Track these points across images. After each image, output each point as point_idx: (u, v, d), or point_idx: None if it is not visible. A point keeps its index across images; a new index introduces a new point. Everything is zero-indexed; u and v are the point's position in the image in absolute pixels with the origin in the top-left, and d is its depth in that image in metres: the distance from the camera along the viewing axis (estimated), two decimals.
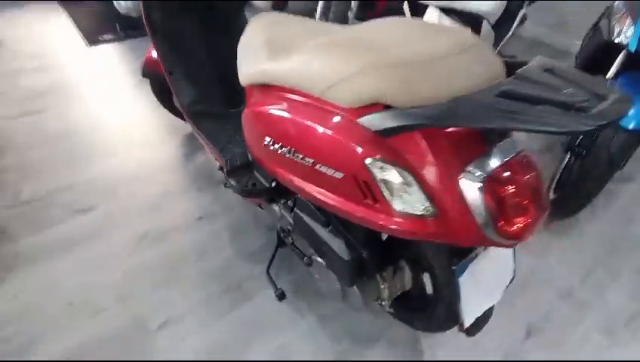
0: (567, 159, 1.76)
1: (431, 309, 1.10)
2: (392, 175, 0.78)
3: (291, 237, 1.25)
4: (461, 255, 0.91)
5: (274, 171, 1.06)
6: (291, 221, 1.16)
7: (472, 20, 2.06)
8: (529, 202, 0.77)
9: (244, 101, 1.14)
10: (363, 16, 2.60)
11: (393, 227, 0.82)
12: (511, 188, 0.75)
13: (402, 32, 0.90)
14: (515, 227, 0.76)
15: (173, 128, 2.11)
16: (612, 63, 1.50)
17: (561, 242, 1.65)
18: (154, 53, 1.63)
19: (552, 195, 1.70)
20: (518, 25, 2.46)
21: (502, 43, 2.38)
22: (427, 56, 0.79)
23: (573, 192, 1.56)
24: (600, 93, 0.66)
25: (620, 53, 1.49)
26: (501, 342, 1.32)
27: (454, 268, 0.89)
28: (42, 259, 1.48)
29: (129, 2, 2.72)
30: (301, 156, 0.91)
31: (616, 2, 1.64)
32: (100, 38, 2.92)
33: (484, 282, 0.96)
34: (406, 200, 0.79)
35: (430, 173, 0.75)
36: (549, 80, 0.71)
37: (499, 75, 0.83)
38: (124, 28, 2.99)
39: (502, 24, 2.22)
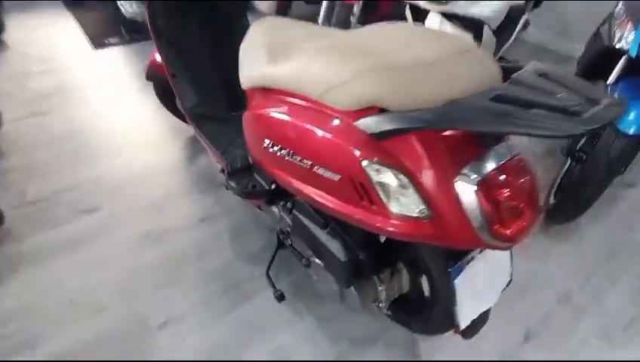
0: (567, 164, 1.76)
1: (428, 312, 1.11)
2: (388, 177, 0.79)
3: (290, 238, 1.27)
4: (457, 257, 0.92)
5: (273, 173, 1.08)
6: (290, 223, 1.17)
7: (473, 25, 2.08)
8: (524, 205, 0.78)
9: (245, 104, 1.16)
10: (365, 20, 2.62)
11: (389, 229, 0.83)
12: (506, 191, 0.76)
13: (400, 36, 0.92)
14: (509, 230, 0.77)
15: (177, 131, 2.13)
16: (613, 69, 1.51)
17: (561, 247, 1.65)
18: (158, 57, 1.65)
19: (552, 200, 1.70)
20: (520, 30, 2.47)
21: (504, 48, 2.39)
22: (423, 60, 0.81)
23: (573, 197, 1.56)
24: (593, 97, 0.67)
25: (620, 59, 1.49)
26: (499, 345, 1.32)
27: (450, 270, 0.90)
28: (46, 259, 1.50)
29: (134, 6, 2.76)
30: (299, 158, 0.92)
31: (617, 8, 1.64)
32: (105, 42, 2.95)
33: (480, 284, 0.97)
34: (402, 202, 0.80)
35: (426, 176, 0.77)
36: (543, 84, 0.72)
37: (495, 80, 0.84)
38: (129, 32, 3.03)
39: (503, 29, 2.23)
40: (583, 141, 1.68)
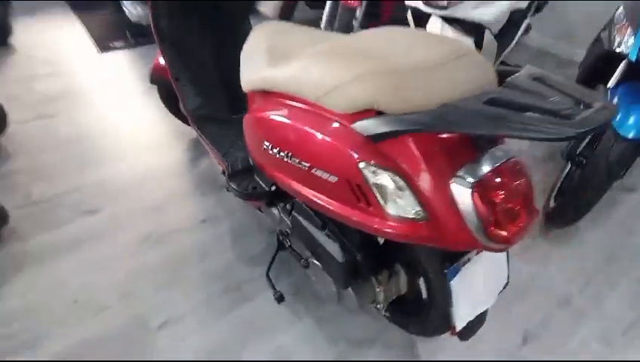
0: (568, 168, 1.77)
1: (425, 313, 1.12)
2: (385, 179, 0.80)
3: (289, 240, 1.28)
4: (453, 259, 0.93)
5: (273, 175, 1.09)
6: (289, 224, 1.18)
7: (474, 30, 2.09)
8: (519, 207, 0.79)
9: (246, 107, 1.18)
10: (368, 24, 2.64)
11: (386, 230, 0.84)
12: (501, 193, 0.76)
13: (397, 40, 0.93)
14: (505, 231, 0.77)
15: (180, 133, 2.16)
16: (613, 73, 1.51)
17: (561, 250, 1.65)
18: (161, 61, 1.68)
19: (552, 203, 1.70)
20: (522, 34, 2.48)
21: (505, 52, 2.40)
22: (420, 64, 0.82)
23: (573, 201, 1.56)
24: (586, 101, 0.68)
25: (620, 63, 1.50)
26: (497, 348, 1.32)
27: (446, 271, 0.91)
28: (50, 258, 1.52)
29: (140, 10, 2.80)
30: (298, 160, 0.94)
31: (617, 12, 1.65)
32: (110, 45, 2.99)
33: (476, 286, 0.97)
34: (398, 204, 0.81)
35: (421, 178, 0.78)
36: (536, 88, 0.73)
37: (491, 83, 0.85)
38: (134, 35, 3.07)
39: (505, 34, 2.24)
40: (583, 145, 1.69)
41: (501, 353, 1.31)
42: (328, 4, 2.65)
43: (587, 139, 1.69)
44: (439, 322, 1.07)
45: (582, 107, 0.66)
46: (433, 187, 0.77)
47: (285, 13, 3.05)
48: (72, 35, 3.13)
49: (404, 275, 1.11)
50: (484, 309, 1.03)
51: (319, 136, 0.87)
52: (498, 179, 0.77)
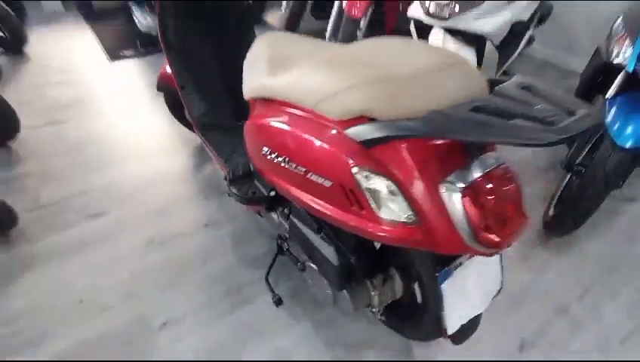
0: (567, 177, 1.78)
1: (419, 318, 1.13)
2: (377, 184, 0.83)
3: (287, 243, 1.31)
4: (445, 263, 0.95)
5: (272, 180, 1.12)
6: (287, 228, 1.21)
7: (476, 41, 2.12)
8: (508, 212, 0.81)
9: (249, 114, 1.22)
10: (371, 35, 2.69)
11: (379, 234, 0.86)
12: (491, 198, 0.78)
13: (392, 50, 0.96)
14: (495, 236, 0.79)
15: (185, 140, 2.21)
16: (611, 84, 1.53)
17: (561, 259, 1.65)
18: (168, 69, 1.73)
19: (551, 212, 1.71)
20: (525, 46, 2.51)
21: (507, 63, 2.43)
22: (412, 73, 0.85)
23: (571, 210, 1.57)
24: (570, 108, 0.70)
25: (618, 74, 1.51)
26: (493, 355, 1.32)
27: (437, 274, 0.93)
28: (56, 260, 1.57)
29: (149, 21, 2.88)
30: (295, 165, 0.97)
31: (616, 24, 1.68)
32: (121, 54, 3.08)
33: (468, 290, 0.99)
34: (390, 208, 0.84)
35: (412, 183, 0.80)
36: (524, 96, 0.76)
37: (482, 92, 0.87)
38: (144, 45, 3.16)
39: (507, 45, 2.27)
40: (582, 155, 1.70)
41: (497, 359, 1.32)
42: (333, 15, 2.72)
43: (586, 149, 1.70)
44: (433, 326, 1.08)
45: (566, 114, 0.69)
46: (424, 192, 0.79)
47: (291, 24, 3.12)
48: (84, 44, 3.23)
49: (399, 279, 1.13)
50: (477, 314, 1.04)
51: (315, 141, 0.90)
52: (488, 185, 0.79)
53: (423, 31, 2.21)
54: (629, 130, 1.43)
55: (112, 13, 3.63)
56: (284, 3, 3.10)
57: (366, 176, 0.83)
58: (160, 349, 1.31)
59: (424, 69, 0.85)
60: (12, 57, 2.97)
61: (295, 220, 1.15)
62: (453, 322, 0.98)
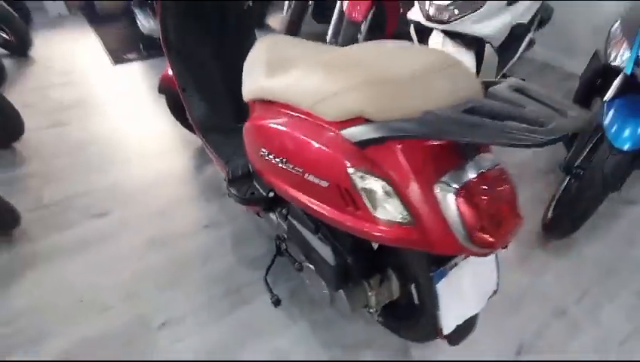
0: (567, 180, 1.78)
1: (416, 319, 1.14)
2: (372, 184, 0.84)
3: (286, 244, 1.32)
4: (440, 263, 0.96)
5: (270, 181, 1.14)
6: (286, 228, 1.22)
7: (475, 44, 2.13)
8: (502, 212, 0.82)
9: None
10: (372, 39, 2.71)
11: (374, 234, 0.87)
12: (485, 199, 0.79)
13: (388, 52, 0.98)
14: (489, 236, 0.80)
15: (187, 141, 2.23)
16: (610, 87, 1.54)
17: (560, 262, 1.65)
18: (170, 71, 1.75)
19: (550, 215, 1.71)
20: (525, 49, 2.52)
21: (508, 66, 2.44)
22: (407, 75, 0.86)
23: (569, 212, 1.57)
24: (561, 110, 0.71)
25: (616, 77, 1.52)
26: (491, 357, 1.33)
27: (432, 274, 0.93)
28: (58, 259, 1.59)
29: (152, 24, 2.91)
30: (292, 166, 0.98)
31: (614, 27, 1.68)
32: (124, 57, 3.12)
33: (463, 291, 0.99)
34: (385, 208, 0.85)
35: (407, 183, 0.81)
36: (516, 98, 0.77)
37: (476, 94, 0.88)
38: (147, 48, 3.19)
39: (507, 48, 2.28)
40: (581, 157, 1.71)
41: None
42: (334, 19, 2.74)
43: (585, 152, 1.70)
44: (430, 327, 1.09)
45: (557, 116, 0.70)
46: (418, 192, 0.80)
47: (292, 28, 3.14)
48: (87, 47, 3.27)
49: (396, 280, 1.13)
50: (473, 314, 1.05)
51: (312, 142, 0.91)
52: (482, 185, 0.80)
53: (423, 34, 2.22)
54: (627, 132, 1.43)
55: (115, 17, 3.67)
56: (285, 7, 3.13)
57: (361, 177, 0.84)
58: (160, 349, 1.32)
59: (419, 71, 0.87)
60: (17, 60, 3.01)
61: (293, 221, 1.16)
62: (448, 322, 0.98)
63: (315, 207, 0.97)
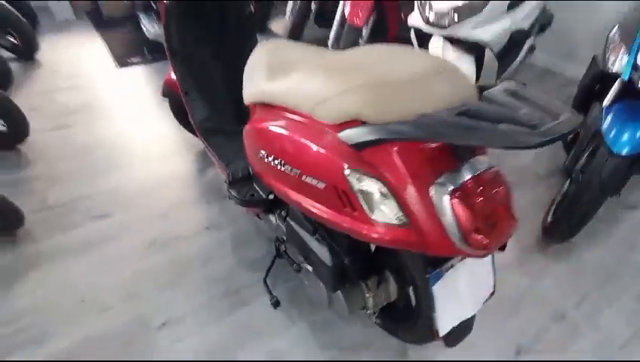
0: (567, 184, 1.79)
1: (414, 321, 1.14)
2: (369, 186, 0.85)
3: (285, 245, 1.33)
4: (437, 264, 0.96)
5: (269, 183, 1.15)
6: (285, 230, 1.24)
7: (475, 49, 2.15)
8: (497, 214, 0.83)
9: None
10: (373, 43, 2.73)
11: (370, 235, 0.88)
12: (479, 200, 0.80)
13: (385, 57, 0.99)
14: (484, 238, 0.81)
15: (189, 145, 2.26)
16: (608, 92, 1.55)
17: (559, 266, 1.66)
18: (173, 75, 1.78)
19: (549, 219, 1.72)
20: (526, 54, 2.53)
21: (509, 71, 2.45)
22: (403, 78, 0.87)
23: (567, 216, 1.58)
24: (553, 113, 0.73)
25: (615, 82, 1.53)
26: (489, 360, 1.33)
27: (428, 276, 0.94)
28: (61, 260, 1.61)
29: (157, 28, 2.96)
30: (290, 168, 1.00)
31: (611, 33, 1.70)
32: (129, 61, 3.16)
33: (459, 292, 1.00)
34: (382, 210, 0.86)
35: (403, 185, 0.82)
36: (510, 102, 0.78)
37: (470, 98, 0.90)
38: (151, 52, 3.23)
39: (507, 53, 2.29)
40: (582, 162, 1.71)
41: None
42: (335, 24, 2.77)
43: (585, 156, 1.71)
44: (427, 329, 1.10)
45: (550, 118, 0.71)
46: (414, 193, 0.81)
47: (295, 32, 3.18)
48: (93, 51, 3.31)
49: (394, 282, 1.14)
50: (469, 316, 1.05)
51: (310, 144, 0.93)
52: (477, 187, 0.81)
53: (424, 39, 2.25)
54: (625, 137, 1.44)
55: (120, 21, 3.72)
56: (288, 12, 3.16)
57: (358, 179, 0.86)
58: (160, 349, 1.34)
59: (415, 75, 0.88)
60: (24, 63, 3.05)
61: (292, 222, 1.17)
62: (444, 323, 0.99)
63: (313, 209, 0.98)
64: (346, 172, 0.86)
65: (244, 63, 1.29)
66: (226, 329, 1.39)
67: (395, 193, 0.83)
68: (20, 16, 2.85)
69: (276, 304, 1.41)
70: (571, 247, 1.73)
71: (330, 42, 2.81)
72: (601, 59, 1.68)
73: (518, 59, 2.46)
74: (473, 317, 1.10)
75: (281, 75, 1.10)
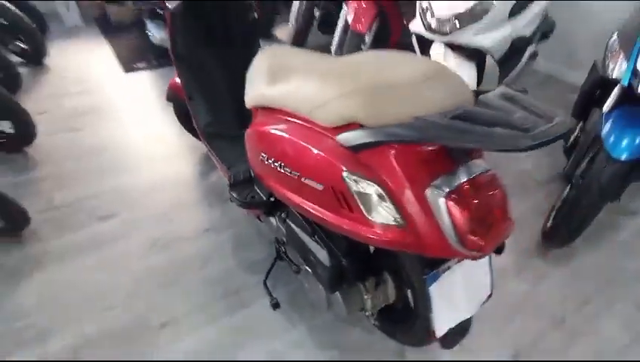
0: (567, 189, 1.79)
1: (412, 323, 1.15)
2: (366, 188, 0.87)
3: (285, 247, 1.35)
4: (433, 265, 0.98)
5: (270, 185, 1.17)
6: (284, 232, 1.25)
7: (476, 55, 2.17)
8: (492, 216, 0.84)
9: None
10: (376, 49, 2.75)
11: (368, 236, 0.90)
12: (475, 202, 0.82)
13: (384, 61, 1.01)
14: (479, 239, 0.82)
15: (193, 148, 2.29)
16: (608, 98, 1.56)
17: (559, 271, 1.66)
18: (177, 80, 1.82)
19: (549, 223, 1.72)
20: (528, 61, 2.55)
21: (510, 77, 2.46)
22: (400, 82, 0.89)
23: (566, 221, 1.58)
24: (546, 117, 0.74)
25: (614, 88, 1.54)
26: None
27: (425, 277, 0.95)
28: (65, 259, 1.64)
29: (162, 34, 3.00)
30: (289, 170, 1.02)
31: (611, 40, 1.71)
32: (135, 66, 3.21)
33: (456, 294, 1.01)
34: (379, 211, 0.87)
35: (399, 187, 0.84)
36: (505, 106, 0.80)
37: (467, 101, 0.92)
38: (157, 57, 3.28)
39: (508, 60, 2.31)
40: (582, 167, 1.72)
41: None
42: (338, 30, 2.80)
43: (585, 161, 1.72)
44: (424, 332, 1.10)
45: (543, 122, 0.73)
46: (410, 195, 0.83)
47: (299, 39, 3.21)
48: (100, 57, 3.37)
49: (392, 283, 1.16)
50: (466, 318, 1.06)
51: (308, 147, 0.95)
52: (472, 189, 0.82)
53: (425, 45, 2.26)
54: (624, 142, 1.45)
55: (127, 28, 3.78)
56: (292, 18, 3.20)
57: (355, 180, 0.87)
58: (160, 349, 1.35)
59: (412, 79, 0.90)
60: (32, 68, 3.11)
61: (291, 224, 1.19)
62: (441, 325, 1.00)
63: (311, 211, 1.00)
64: (344, 174, 0.88)
65: (246, 69, 1.31)
66: (226, 329, 1.41)
67: (392, 195, 0.84)
68: (29, 21, 2.91)
69: (276, 305, 1.42)
70: (571, 252, 1.73)
71: (333, 48, 2.83)
72: (601, 66, 1.70)
73: (519, 65, 2.47)
74: (470, 319, 1.10)
75: (282, 79, 1.12)
